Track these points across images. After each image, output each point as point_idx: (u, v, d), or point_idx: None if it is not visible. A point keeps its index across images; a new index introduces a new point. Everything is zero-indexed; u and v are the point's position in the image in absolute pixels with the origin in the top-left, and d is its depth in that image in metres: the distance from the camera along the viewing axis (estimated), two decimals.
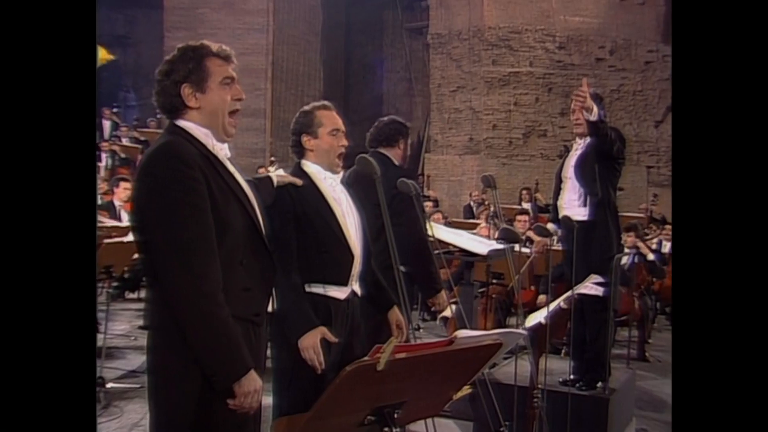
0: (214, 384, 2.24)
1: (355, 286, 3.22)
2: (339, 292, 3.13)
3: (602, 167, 4.86)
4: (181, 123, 2.43)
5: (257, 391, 2.28)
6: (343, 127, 3.27)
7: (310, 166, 3.25)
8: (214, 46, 2.47)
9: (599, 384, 4.87)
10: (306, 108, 3.32)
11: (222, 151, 2.47)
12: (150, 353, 2.37)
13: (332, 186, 3.25)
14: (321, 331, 2.98)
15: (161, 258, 2.25)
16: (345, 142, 3.27)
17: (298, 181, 3.14)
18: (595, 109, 4.59)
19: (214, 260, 2.26)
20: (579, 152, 4.95)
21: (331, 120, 3.26)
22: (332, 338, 2.99)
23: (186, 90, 2.41)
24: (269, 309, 2.49)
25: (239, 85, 2.51)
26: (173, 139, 2.38)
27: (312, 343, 2.95)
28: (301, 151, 3.28)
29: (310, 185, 3.18)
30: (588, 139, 4.91)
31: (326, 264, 3.12)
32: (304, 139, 3.25)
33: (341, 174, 3.35)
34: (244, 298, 2.37)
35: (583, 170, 4.88)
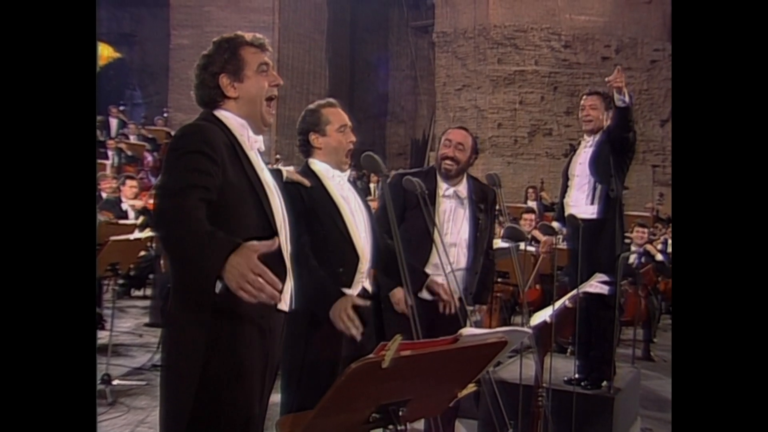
0: (206, 271, 2.07)
1: (366, 284, 3.23)
2: (348, 291, 3.14)
3: (615, 162, 4.88)
4: (218, 113, 2.45)
5: (252, 268, 2.01)
6: (350, 123, 3.28)
7: (317, 165, 3.24)
8: (248, 35, 2.50)
9: (604, 383, 4.87)
10: (311, 107, 3.32)
11: (256, 144, 2.49)
12: (163, 348, 2.39)
13: (340, 185, 3.25)
14: (350, 299, 2.99)
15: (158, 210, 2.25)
16: (353, 138, 3.28)
17: (306, 182, 3.14)
18: (626, 92, 4.64)
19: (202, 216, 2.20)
20: (591, 149, 4.96)
21: (338, 117, 3.26)
22: (362, 302, 3.02)
23: (224, 80, 2.44)
24: (279, 307, 2.47)
25: (274, 70, 2.53)
26: (204, 124, 2.40)
27: (343, 309, 2.94)
28: (308, 150, 3.28)
29: (318, 185, 3.19)
30: (598, 136, 4.95)
31: (333, 264, 3.13)
32: (312, 137, 3.25)
33: (348, 172, 3.36)
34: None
35: (597, 166, 4.89)
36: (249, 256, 2.03)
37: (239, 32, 2.52)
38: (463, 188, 4.11)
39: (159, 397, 2.44)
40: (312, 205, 3.12)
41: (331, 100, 3.37)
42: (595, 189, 4.89)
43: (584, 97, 5.12)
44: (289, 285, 2.50)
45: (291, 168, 3.38)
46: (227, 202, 2.32)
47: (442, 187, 4.07)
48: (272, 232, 2.40)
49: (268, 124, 2.52)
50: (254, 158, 2.47)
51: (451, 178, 4.07)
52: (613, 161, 4.87)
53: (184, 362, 2.31)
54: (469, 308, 4.05)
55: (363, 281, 3.22)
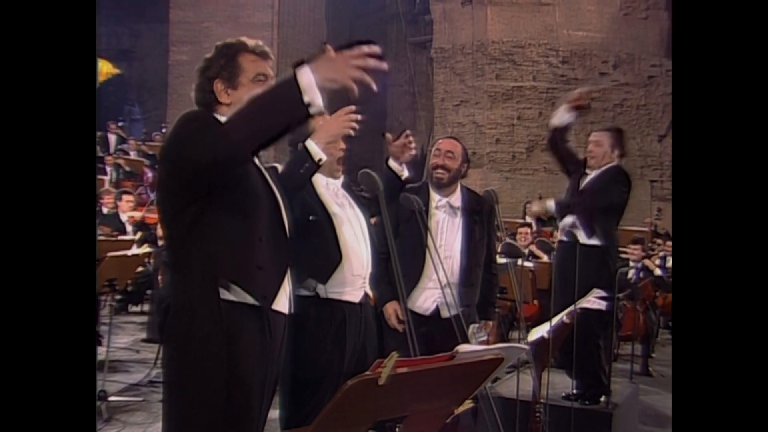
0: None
1: (368, 290, 3.28)
2: (321, 287, 3.17)
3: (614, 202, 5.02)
4: (216, 115, 2.46)
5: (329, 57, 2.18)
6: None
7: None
8: (251, 42, 2.52)
9: (602, 398, 4.87)
10: None
11: None
12: (165, 365, 2.39)
13: (334, 192, 3.27)
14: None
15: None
16: (343, 146, 3.30)
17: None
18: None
19: None
20: (593, 181, 5.04)
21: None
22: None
23: (218, 85, 2.46)
24: (278, 309, 2.47)
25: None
26: (210, 115, 2.43)
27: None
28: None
29: (311, 192, 3.20)
30: (598, 172, 5.04)
31: (319, 267, 3.18)
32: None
33: (342, 179, 3.38)
34: (256, 276, 2.37)
35: (598, 200, 4.98)
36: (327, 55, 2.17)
37: (243, 38, 2.54)
38: (456, 199, 4.07)
39: (163, 413, 2.41)
40: (305, 211, 3.13)
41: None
42: (591, 221, 4.95)
43: (593, 132, 5.24)
44: (288, 287, 2.50)
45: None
46: (248, 187, 2.37)
47: (435, 198, 4.03)
48: (279, 219, 2.46)
49: None
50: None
51: (443, 187, 4.05)
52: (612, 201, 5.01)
53: (193, 374, 2.30)
54: (474, 325, 4.03)
55: (364, 287, 3.26)
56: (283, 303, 2.48)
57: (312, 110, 2.16)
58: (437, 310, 3.90)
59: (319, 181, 3.25)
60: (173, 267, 2.47)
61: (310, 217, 3.15)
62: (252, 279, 2.35)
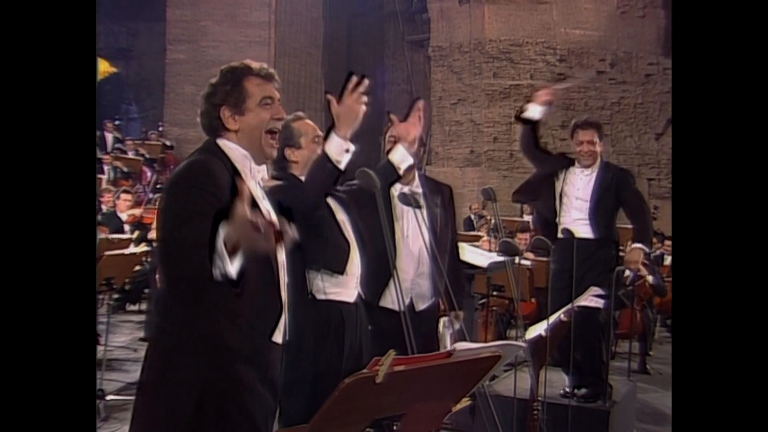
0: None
1: (360, 290, 3.31)
2: (341, 277, 3.21)
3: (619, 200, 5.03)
4: (220, 142, 2.43)
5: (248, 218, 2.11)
6: (321, 133, 3.24)
7: (300, 177, 3.24)
8: (255, 65, 2.46)
9: (599, 400, 4.87)
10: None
11: (259, 174, 2.47)
12: (147, 366, 2.37)
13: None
14: None
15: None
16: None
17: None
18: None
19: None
20: (594, 179, 5.04)
21: (309, 128, 3.32)
22: None
23: (225, 112, 2.41)
24: (273, 339, 2.45)
25: (281, 104, 2.51)
26: (205, 158, 2.37)
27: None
28: (286, 166, 3.29)
29: None
30: (598, 170, 5.05)
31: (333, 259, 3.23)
32: (288, 152, 3.27)
33: None
34: (246, 332, 2.33)
35: (603, 197, 5.00)
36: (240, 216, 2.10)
37: (247, 61, 2.48)
38: (417, 185, 3.93)
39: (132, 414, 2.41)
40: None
41: (299, 113, 3.39)
42: (596, 215, 4.97)
43: (578, 131, 5.13)
44: (284, 316, 2.47)
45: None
46: None
47: (396, 187, 3.77)
48: (270, 269, 2.39)
49: (269, 156, 2.49)
50: (254, 188, 2.43)
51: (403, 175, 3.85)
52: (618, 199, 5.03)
53: (170, 380, 2.29)
54: (444, 319, 3.95)
55: (357, 287, 3.28)
56: (279, 332, 2.45)
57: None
58: (412, 304, 3.82)
59: None
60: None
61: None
62: (242, 334, 2.32)
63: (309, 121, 3.35)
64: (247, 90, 2.43)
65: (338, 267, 3.21)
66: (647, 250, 5.20)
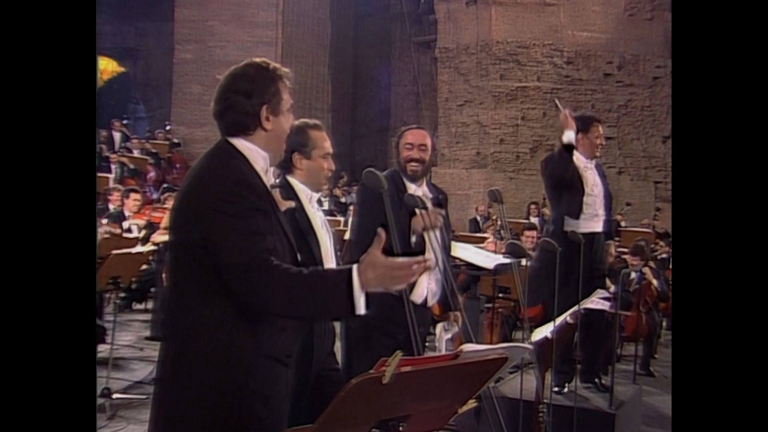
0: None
1: None
2: None
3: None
4: (238, 142, 2.33)
5: (378, 265, 2.02)
6: (332, 150, 3.24)
7: (298, 185, 3.22)
8: (281, 68, 2.41)
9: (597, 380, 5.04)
10: (298, 124, 3.15)
11: (268, 174, 2.42)
12: (160, 365, 2.36)
13: (313, 205, 3.24)
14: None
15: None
16: (333, 166, 3.26)
17: (292, 204, 3.12)
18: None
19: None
20: (598, 173, 5.26)
21: (324, 143, 3.23)
22: None
23: (265, 112, 2.33)
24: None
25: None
26: (237, 163, 2.28)
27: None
28: (288, 168, 3.23)
29: (300, 207, 3.17)
30: (597, 161, 5.33)
31: None
32: (296, 157, 3.20)
33: (320, 193, 3.39)
34: (278, 338, 2.31)
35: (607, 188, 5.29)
36: (375, 261, 2.03)
37: (276, 65, 2.41)
38: (426, 189, 4.04)
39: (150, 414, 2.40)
40: (296, 225, 3.08)
41: (318, 123, 3.33)
42: (608, 207, 5.22)
43: (597, 125, 5.33)
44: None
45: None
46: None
47: (411, 188, 3.93)
48: (294, 258, 2.36)
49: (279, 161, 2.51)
50: (272, 191, 2.42)
51: (417, 179, 3.98)
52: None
53: (183, 380, 2.28)
54: (441, 324, 4.06)
55: None
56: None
57: (356, 311, 2.08)
58: (425, 299, 3.93)
59: (306, 194, 3.22)
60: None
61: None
62: (274, 341, 2.30)
63: (326, 135, 3.26)
64: (282, 93, 2.39)
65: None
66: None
